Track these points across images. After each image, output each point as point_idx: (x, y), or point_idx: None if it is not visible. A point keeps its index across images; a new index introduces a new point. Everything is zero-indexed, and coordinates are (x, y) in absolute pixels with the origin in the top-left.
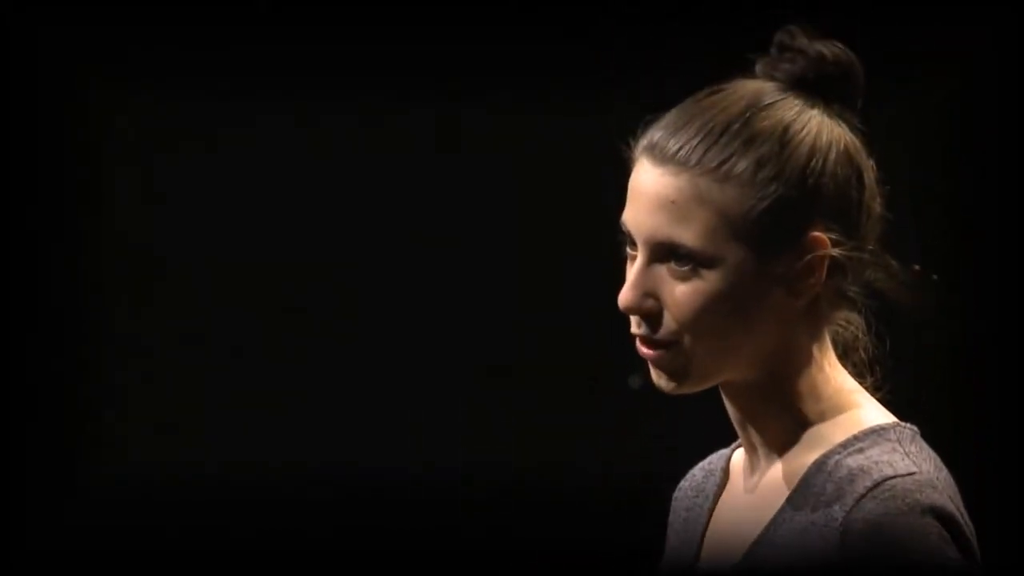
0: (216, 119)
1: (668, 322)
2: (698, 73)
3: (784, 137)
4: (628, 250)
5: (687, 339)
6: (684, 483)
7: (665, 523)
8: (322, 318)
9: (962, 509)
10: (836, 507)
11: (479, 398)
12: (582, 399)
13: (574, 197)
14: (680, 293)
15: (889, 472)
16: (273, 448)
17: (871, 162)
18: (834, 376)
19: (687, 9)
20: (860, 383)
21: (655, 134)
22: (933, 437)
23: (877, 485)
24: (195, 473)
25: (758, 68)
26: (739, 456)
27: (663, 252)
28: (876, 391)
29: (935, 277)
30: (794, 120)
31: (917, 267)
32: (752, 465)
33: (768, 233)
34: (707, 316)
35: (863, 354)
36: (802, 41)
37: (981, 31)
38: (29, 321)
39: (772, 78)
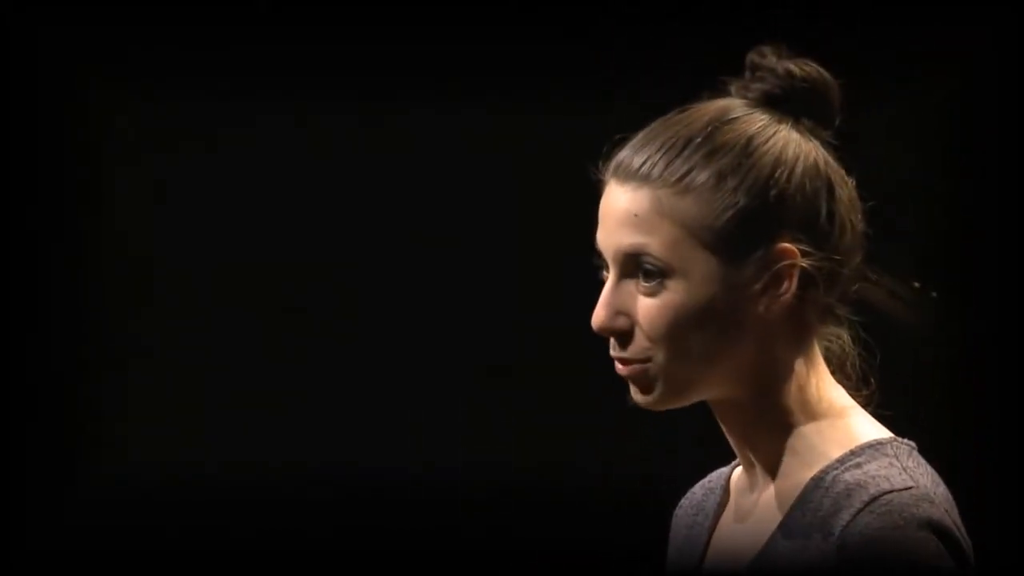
0: (216, 119)
1: (639, 338)
2: (698, 73)
3: (747, 149)
4: (604, 274)
5: (659, 354)
6: (684, 501)
7: (663, 523)
8: (322, 318)
9: (959, 524)
10: (833, 521)
11: (479, 398)
12: (582, 399)
13: (574, 197)
14: (649, 308)
15: (886, 486)
16: (273, 448)
17: (850, 179)
18: (826, 392)
19: (687, 9)
20: (855, 398)
21: (621, 155)
22: (933, 451)
23: (874, 499)
24: (195, 473)
25: (732, 89)
26: (739, 474)
27: (631, 266)
28: (868, 405)
29: (934, 294)
30: (758, 133)
31: (917, 284)
32: (751, 483)
33: (733, 244)
34: (676, 329)
35: (852, 369)
36: (771, 60)
37: (981, 31)
38: (29, 321)
39: (745, 98)
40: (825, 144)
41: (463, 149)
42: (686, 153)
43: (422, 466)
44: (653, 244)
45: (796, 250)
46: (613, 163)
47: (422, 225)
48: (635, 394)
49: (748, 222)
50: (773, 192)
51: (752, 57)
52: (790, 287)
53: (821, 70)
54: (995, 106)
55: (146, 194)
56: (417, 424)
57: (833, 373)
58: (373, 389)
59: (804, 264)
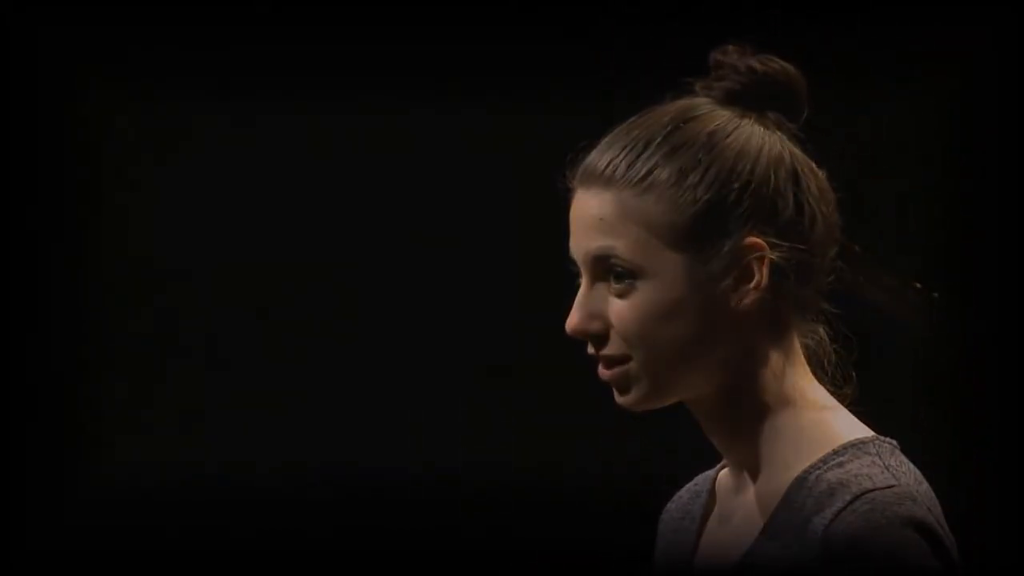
0: (216, 119)
1: (614, 340)
2: (698, 73)
3: (708, 144)
4: (579, 281)
5: (635, 354)
6: (671, 505)
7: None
8: (322, 318)
9: (942, 521)
10: (816, 521)
11: (479, 398)
12: (582, 399)
13: (569, 201)
14: (621, 309)
15: (868, 485)
16: (273, 448)
17: (821, 170)
18: (806, 390)
19: (687, 9)
20: (837, 397)
21: (586, 160)
22: (934, 451)
23: (857, 498)
24: (195, 473)
25: (697, 89)
26: (724, 475)
27: (601, 269)
28: (851, 404)
29: (936, 295)
30: (719, 128)
31: (918, 284)
32: (736, 484)
33: (699, 240)
34: (649, 329)
35: (830, 366)
36: (734, 57)
37: (981, 31)
38: (29, 321)
39: (709, 96)
40: (793, 136)
41: (463, 149)
42: (648, 152)
43: (422, 466)
44: (620, 246)
45: (764, 242)
46: (579, 169)
47: (422, 225)
48: (616, 396)
49: (712, 217)
50: (736, 185)
51: (715, 55)
52: (760, 280)
53: (785, 65)
54: (995, 106)
55: (146, 194)
56: (417, 424)
57: (815, 372)
58: (373, 389)
59: (773, 256)
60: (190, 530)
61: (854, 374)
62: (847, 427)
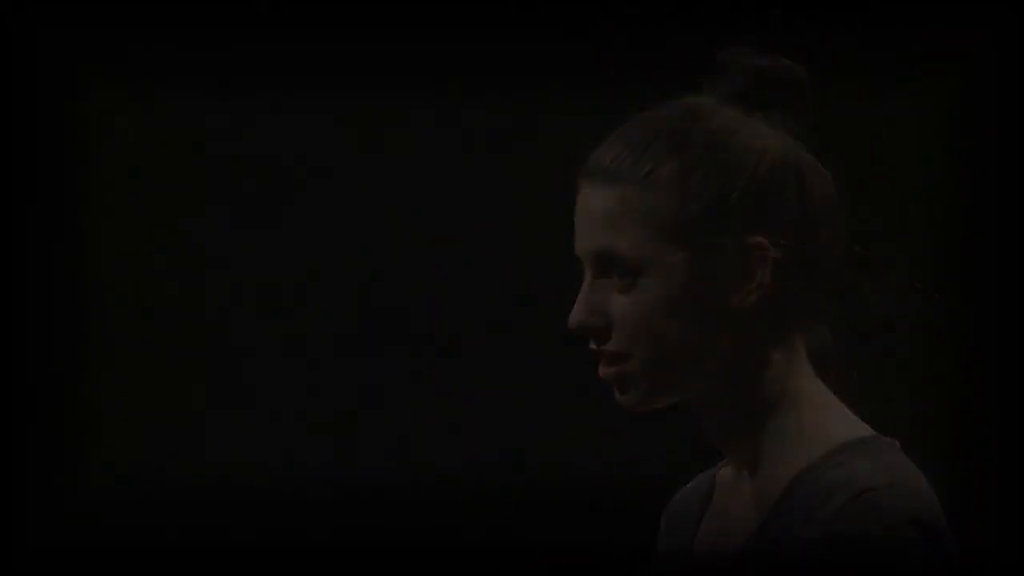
0: (215, 119)
1: (616, 337)
2: (698, 73)
3: (712, 142)
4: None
5: (636, 351)
6: (673, 501)
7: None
8: (324, 318)
9: (942, 521)
10: (816, 519)
11: (479, 398)
12: (582, 399)
13: (574, 197)
14: (623, 305)
15: (868, 484)
16: (273, 448)
17: (826, 171)
18: (808, 390)
19: (687, 9)
20: (838, 397)
21: (591, 157)
22: (933, 451)
23: (856, 497)
24: (195, 473)
25: (704, 87)
26: (724, 474)
27: (604, 265)
28: (851, 404)
29: (937, 295)
30: (725, 126)
31: (918, 284)
32: (737, 482)
33: (702, 238)
34: (650, 325)
35: (833, 366)
36: (741, 57)
37: (981, 31)
38: (29, 321)
39: (715, 95)
40: (798, 137)
41: (463, 149)
42: (652, 148)
43: (422, 466)
44: (622, 243)
45: (767, 242)
46: (584, 165)
47: (422, 225)
48: (616, 395)
49: (716, 215)
50: (740, 184)
51: (722, 55)
52: (763, 280)
53: (793, 65)
54: (995, 106)
55: (146, 194)
56: (417, 424)
57: (818, 371)
58: (374, 389)
59: (776, 255)
60: (190, 530)
61: (854, 374)
62: (848, 426)
